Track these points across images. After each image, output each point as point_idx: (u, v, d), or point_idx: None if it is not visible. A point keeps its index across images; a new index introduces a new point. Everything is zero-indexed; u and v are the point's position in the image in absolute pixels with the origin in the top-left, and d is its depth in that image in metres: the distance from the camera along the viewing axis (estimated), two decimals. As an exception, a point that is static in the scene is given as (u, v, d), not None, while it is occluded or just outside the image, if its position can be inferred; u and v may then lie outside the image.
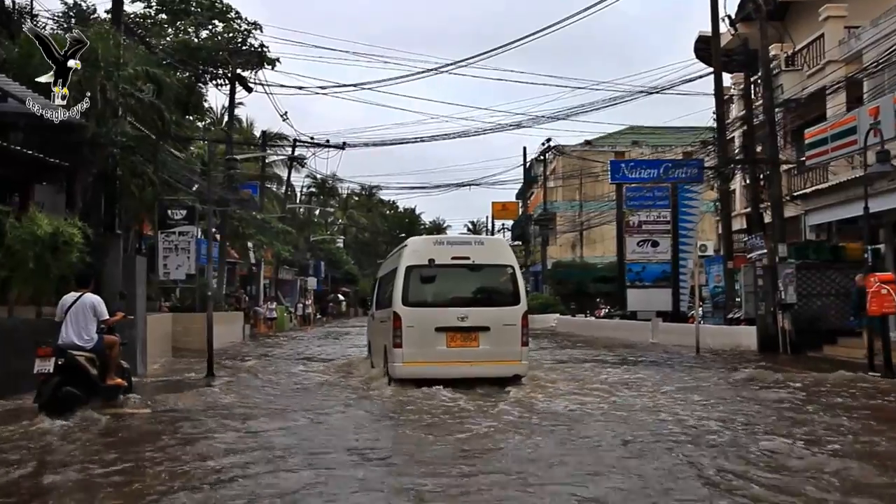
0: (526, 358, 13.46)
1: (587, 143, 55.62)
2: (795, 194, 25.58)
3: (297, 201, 78.69)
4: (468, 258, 13.41)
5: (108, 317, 11.72)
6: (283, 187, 53.62)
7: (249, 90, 32.76)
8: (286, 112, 37.87)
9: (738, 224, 32.64)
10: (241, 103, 54.27)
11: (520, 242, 68.31)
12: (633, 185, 40.39)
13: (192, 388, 14.33)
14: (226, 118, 56.84)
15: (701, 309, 28.25)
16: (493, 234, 77.00)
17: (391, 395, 12.63)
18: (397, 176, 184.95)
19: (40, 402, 10.61)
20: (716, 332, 23.19)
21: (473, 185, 47.28)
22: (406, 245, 14.24)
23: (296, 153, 52.28)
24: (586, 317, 42.60)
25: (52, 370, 10.62)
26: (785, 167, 24.47)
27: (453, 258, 13.37)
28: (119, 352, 12.21)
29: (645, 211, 40.37)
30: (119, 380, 12.04)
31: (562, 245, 55.63)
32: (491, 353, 12.92)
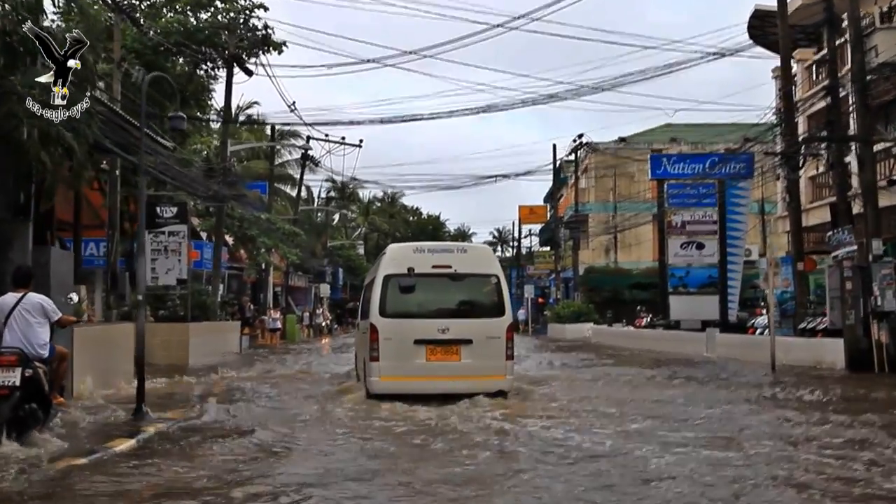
0: (511, 373, 12.87)
1: (621, 140, 51.87)
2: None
3: (315, 205, 75.82)
4: (450, 267, 12.82)
5: (60, 315, 10.04)
6: (297, 188, 50.17)
7: (249, 73, 29.30)
8: (294, 102, 33.86)
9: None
10: (256, 103, 51.44)
11: (548, 248, 64.60)
12: (675, 181, 36.67)
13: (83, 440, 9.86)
14: (239, 116, 54.39)
15: (765, 318, 24.43)
16: (519, 240, 73.43)
17: (355, 416, 11.50)
18: (416, 171, 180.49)
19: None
20: (791, 345, 19.32)
21: (501, 176, 42.87)
22: (385, 252, 13.65)
23: (310, 152, 49.18)
24: (623, 326, 38.75)
25: (18, 383, 8.93)
26: (881, 146, 20.46)
27: (434, 267, 12.76)
28: (66, 367, 10.90)
29: (689, 210, 36.52)
30: (60, 398, 10.60)
31: (594, 249, 51.83)
32: (473, 367, 12.37)
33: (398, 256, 13.21)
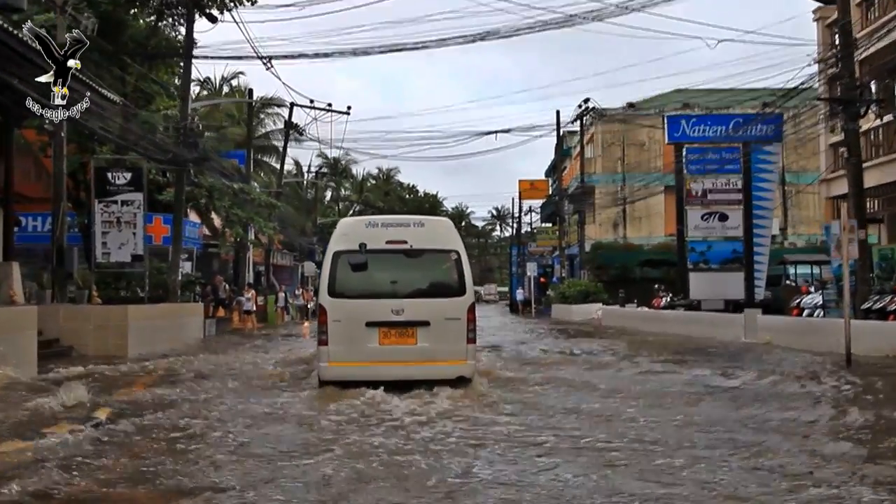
0: (473, 357, 11.85)
1: (630, 105, 48.03)
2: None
3: (305, 181, 72.22)
4: (405, 242, 11.89)
5: None
6: (280, 160, 46.48)
7: (213, 20, 25.54)
8: (269, 59, 30.03)
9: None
10: (240, 73, 47.63)
11: (550, 224, 60.98)
12: (695, 145, 33.04)
13: None
14: (223, 87, 50.61)
15: (814, 297, 20.88)
16: (520, 215, 69.72)
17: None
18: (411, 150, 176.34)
19: None
20: (860, 330, 15.65)
21: (501, 132, 38.39)
22: (336, 228, 12.67)
23: (295, 119, 45.52)
24: (637, 307, 35.15)
25: None
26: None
27: (388, 242, 11.87)
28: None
29: (710, 177, 32.91)
30: None
31: (602, 224, 48.17)
32: (431, 351, 11.53)
33: (349, 231, 12.21)
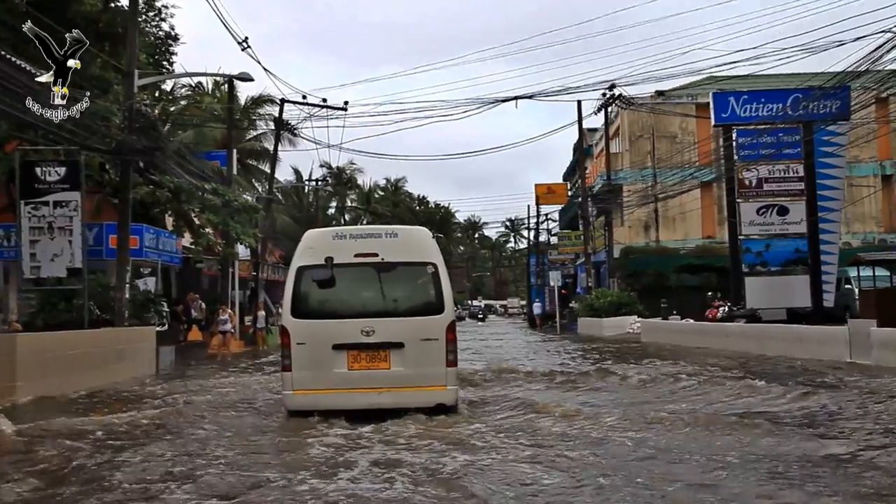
0: (454, 382, 10.54)
1: (659, 94, 43.04)
2: None
3: (305, 191, 67.54)
4: (376, 255, 10.67)
5: None
6: (271, 163, 41.74)
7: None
8: (246, 38, 25.23)
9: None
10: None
11: (569, 231, 55.93)
12: (747, 126, 28.17)
13: None
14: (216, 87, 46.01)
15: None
16: (538, 222, 64.79)
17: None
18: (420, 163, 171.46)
19: None
20: None
21: (521, 98, 32.14)
22: (301, 241, 11.18)
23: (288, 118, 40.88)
24: (681, 319, 30.07)
25: None
26: None
27: (357, 255, 10.63)
28: None
29: (766, 164, 28.03)
30: None
31: (631, 226, 43.06)
32: (406, 376, 10.31)
33: (314, 244, 11.02)
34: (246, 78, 20.48)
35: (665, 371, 15.81)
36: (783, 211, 27.84)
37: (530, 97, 24.45)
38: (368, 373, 10.33)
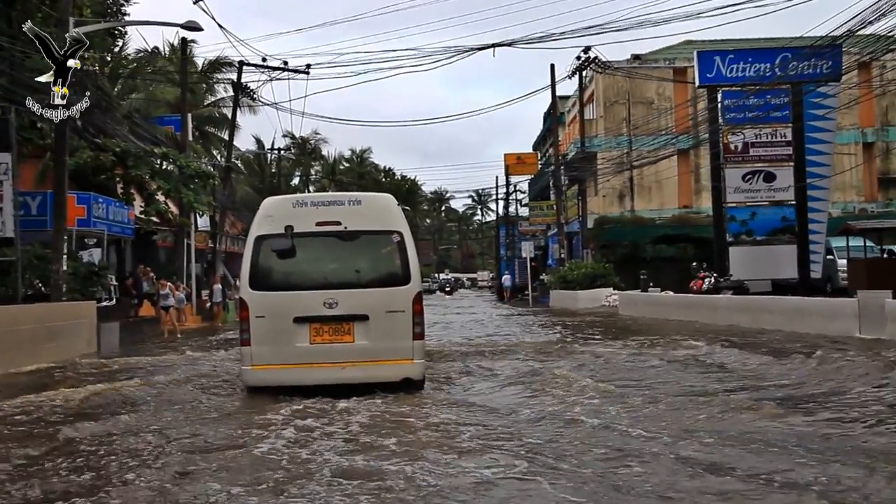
0: (421, 356, 10.12)
1: (635, 58, 41.48)
2: None
3: (268, 161, 65.37)
4: (339, 223, 10.19)
5: None
6: (230, 129, 39.69)
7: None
8: None
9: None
10: (193, 41, 40.62)
11: (540, 202, 54.34)
12: (733, 87, 26.69)
13: None
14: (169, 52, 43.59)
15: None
16: (507, 191, 63.18)
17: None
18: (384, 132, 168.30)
19: None
20: None
21: (500, 46, 29.57)
22: (259, 209, 10.69)
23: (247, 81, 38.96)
24: (661, 291, 28.62)
25: None
26: None
27: (319, 224, 10.20)
28: None
29: (752, 127, 26.64)
30: None
31: (605, 196, 41.51)
32: (371, 349, 9.90)
33: (274, 212, 10.37)
34: (194, 27, 18.56)
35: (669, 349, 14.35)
36: (770, 177, 26.55)
37: (509, 44, 22.54)
38: (331, 346, 9.93)
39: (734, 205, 26.72)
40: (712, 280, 24.82)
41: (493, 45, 22.23)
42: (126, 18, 30.52)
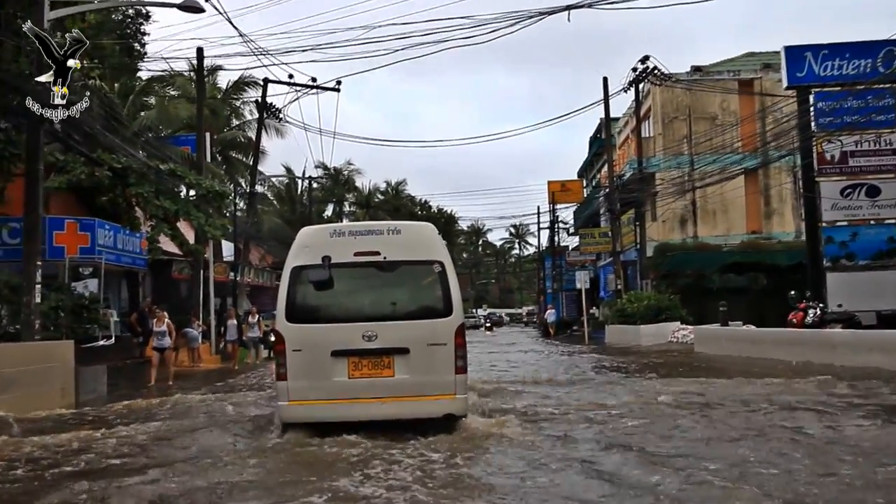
0: (463, 391, 9.81)
1: (696, 69, 38.04)
2: None
3: (298, 191, 62.47)
4: (378, 253, 9.99)
5: None
6: (254, 151, 36.74)
7: None
8: None
9: None
10: (219, 67, 38.16)
11: (591, 228, 50.59)
12: (828, 87, 23.08)
13: None
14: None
15: None
16: (552, 221, 59.56)
17: None
18: (416, 164, 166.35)
19: None
20: None
21: (576, 8, 25.55)
22: (296, 239, 10.47)
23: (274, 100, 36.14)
24: (743, 326, 24.81)
25: None
26: None
27: (357, 254, 9.99)
28: None
29: (850, 134, 22.98)
30: None
31: (665, 221, 37.82)
32: (412, 384, 9.63)
33: (311, 242, 10.14)
34: (195, 7, 15.38)
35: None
36: (874, 191, 22.94)
37: (588, 5, 19.00)
38: (371, 381, 9.74)
39: (831, 224, 22.97)
40: (818, 311, 20.97)
41: (568, 8, 18.73)
42: (146, 39, 27.93)
